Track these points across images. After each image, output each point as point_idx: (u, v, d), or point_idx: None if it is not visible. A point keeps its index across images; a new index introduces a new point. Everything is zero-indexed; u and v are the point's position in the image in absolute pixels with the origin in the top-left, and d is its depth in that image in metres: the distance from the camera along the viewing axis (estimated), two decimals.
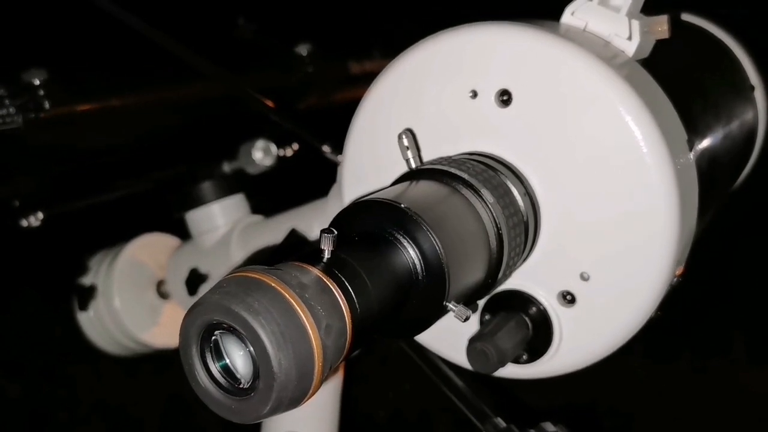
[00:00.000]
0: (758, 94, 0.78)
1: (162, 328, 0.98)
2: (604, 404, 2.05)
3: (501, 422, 0.50)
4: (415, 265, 0.39)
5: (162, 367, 1.98)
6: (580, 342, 0.50)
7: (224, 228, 0.92)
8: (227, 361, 0.32)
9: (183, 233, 1.00)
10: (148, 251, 1.00)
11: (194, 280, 0.91)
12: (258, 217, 0.94)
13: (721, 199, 0.68)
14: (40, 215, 0.76)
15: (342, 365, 0.86)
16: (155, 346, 0.99)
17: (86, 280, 0.97)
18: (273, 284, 0.31)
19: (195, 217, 0.94)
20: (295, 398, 0.32)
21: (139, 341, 0.98)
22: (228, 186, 0.93)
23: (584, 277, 0.48)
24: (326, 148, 0.78)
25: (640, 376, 2.11)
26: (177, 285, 0.95)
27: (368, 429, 2.07)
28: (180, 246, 0.99)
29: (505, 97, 0.49)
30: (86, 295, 0.96)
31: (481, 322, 0.51)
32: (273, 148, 0.90)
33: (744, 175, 0.81)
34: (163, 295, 1.00)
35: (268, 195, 0.99)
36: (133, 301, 0.97)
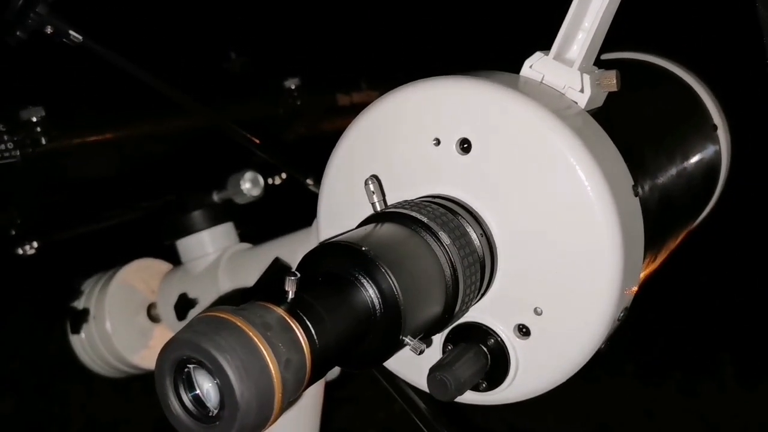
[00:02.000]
0: (721, 132, 0.81)
1: (152, 351, 1.02)
2: (594, 422, 2.08)
3: None
4: (374, 303, 0.43)
5: (153, 385, 2.01)
6: (534, 371, 0.54)
7: (213, 255, 0.96)
8: (198, 391, 0.36)
9: (174, 258, 1.04)
10: (140, 276, 1.03)
11: (183, 305, 0.95)
12: (245, 245, 0.98)
13: (678, 233, 0.71)
14: (35, 244, 0.80)
15: (323, 390, 0.89)
16: (145, 369, 1.02)
17: (79, 304, 1.01)
18: (238, 324, 0.35)
19: (185, 245, 0.98)
20: (257, 425, 0.35)
21: (130, 364, 1.01)
22: (217, 215, 0.97)
23: (537, 312, 0.52)
24: (309, 181, 0.82)
25: (630, 398, 2.14)
26: (167, 309, 0.99)
27: None
28: (170, 271, 1.03)
29: (465, 145, 0.53)
30: (79, 319, 1.00)
31: (444, 352, 0.55)
32: (260, 179, 0.95)
33: (710, 208, 0.84)
34: (153, 318, 1.03)
35: (256, 224, 1.03)
36: (124, 324, 1.00)
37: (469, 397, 0.56)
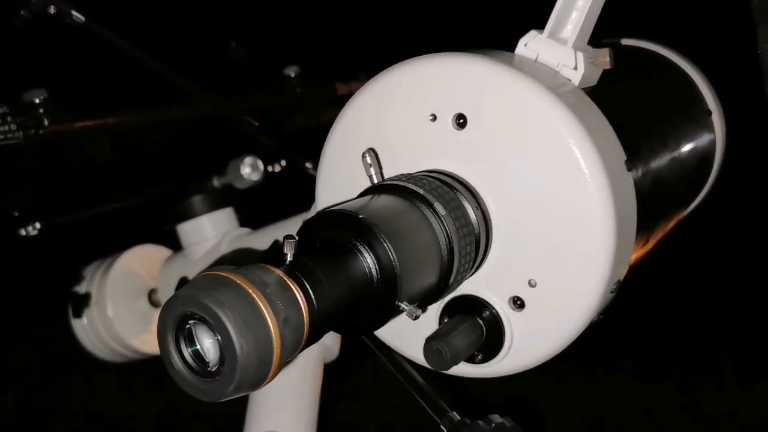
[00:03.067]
0: (716, 117, 0.82)
1: (153, 336, 1.02)
2: (593, 418, 2.09)
3: (456, 416, 0.55)
4: (371, 269, 0.44)
5: (155, 380, 2.03)
6: (529, 343, 0.55)
7: (213, 240, 0.97)
8: (198, 347, 0.37)
9: (174, 245, 1.05)
10: (141, 261, 1.04)
11: None
12: (245, 230, 0.99)
13: (670, 217, 0.72)
14: (38, 225, 0.81)
15: (322, 373, 0.90)
16: (146, 353, 1.03)
17: (81, 289, 1.02)
18: (238, 281, 0.36)
19: (186, 229, 0.99)
20: (256, 381, 0.36)
21: (131, 348, 1.02)
22: (217, 200, 0.98)
23: (532, 284, 0.53)
24: (309, 165, 0.83)
25: (629, 394, 2.15)
26: (168, 293, 0.99)
27: None
28: (171, 256, 1.04)
29: (461, 121, 0.54)
30: (80, 303, 1.01)
31: (440, 324, 0.56)
32: (260, 164, 0.96)
33: (703, 196, 0.85)
34: (154, 303, 1.04)
35: (256, 210, 1.04)
36: (125, 309, 1.01)
37: (465, 369, 0.57)
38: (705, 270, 2.31)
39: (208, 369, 0.37)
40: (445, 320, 0.56)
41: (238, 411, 0.91)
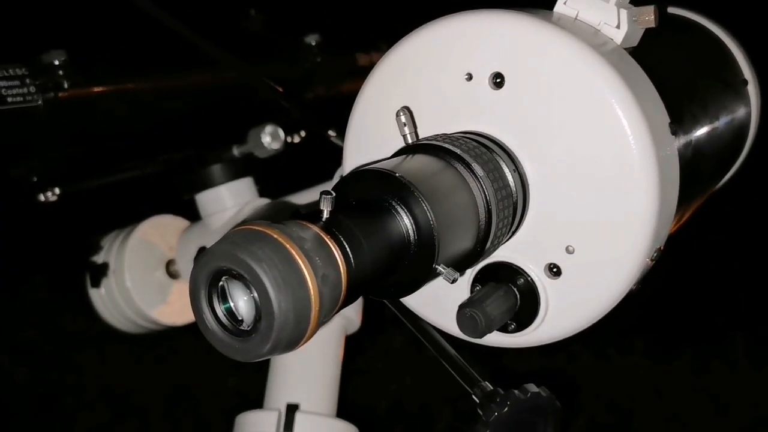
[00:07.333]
0: (751, 88, 0.80)
1: (170, 306, 1.02)
2: (604, 399, 2.08)
3: (488, 385, 0.53)
4: (408, 230, 0.42)
5: (167, 355, 2.03)
6: (564, 312, 0.53)
7: (232, 210, 0.96)
8: (231, 304, 0.35)
9: (192, 216, 1.04)
10: (159, 232, 1.03)
11: None
12: (265, 200, 0.97)
13: (707, 188, 0.70)
14: (57, 190, 0.79)
15: (343, 348, 0.89)
16: (164, 324, 1.02)
17: (99, 258, 1.01)
18: (275, 236, 0.35)
19: (204, 199, 0.97)
20: (293, 340, 0.35)
21: (149, 318, 1.01)
22: (237, 169, 0.96)
23: (569, 251, 0.51)
24: (331, 133, 0.81)
25: (640, 375, 2.14)
26: (186, 264, 0.98)
27: (369, 419, 2.10)
28: (189, 227, 1.03)
29: (498, 80, 0.52)
30: (98, 273, 1.00)
31: (472, 292, 0.54)
32: (280, 132, 0.94)
33: (735, 169, 0.83)
34: (172, 274, 1.03)
35: (276, 179, 1.02)
36: (143, 279, 1.00)
37: (497, 339, 0.55)
38: (717, 249, 2.28)
39: (242, 328, 0.36)
40: (477, 288, 0.55)
41: (249, 387, 0.90)
